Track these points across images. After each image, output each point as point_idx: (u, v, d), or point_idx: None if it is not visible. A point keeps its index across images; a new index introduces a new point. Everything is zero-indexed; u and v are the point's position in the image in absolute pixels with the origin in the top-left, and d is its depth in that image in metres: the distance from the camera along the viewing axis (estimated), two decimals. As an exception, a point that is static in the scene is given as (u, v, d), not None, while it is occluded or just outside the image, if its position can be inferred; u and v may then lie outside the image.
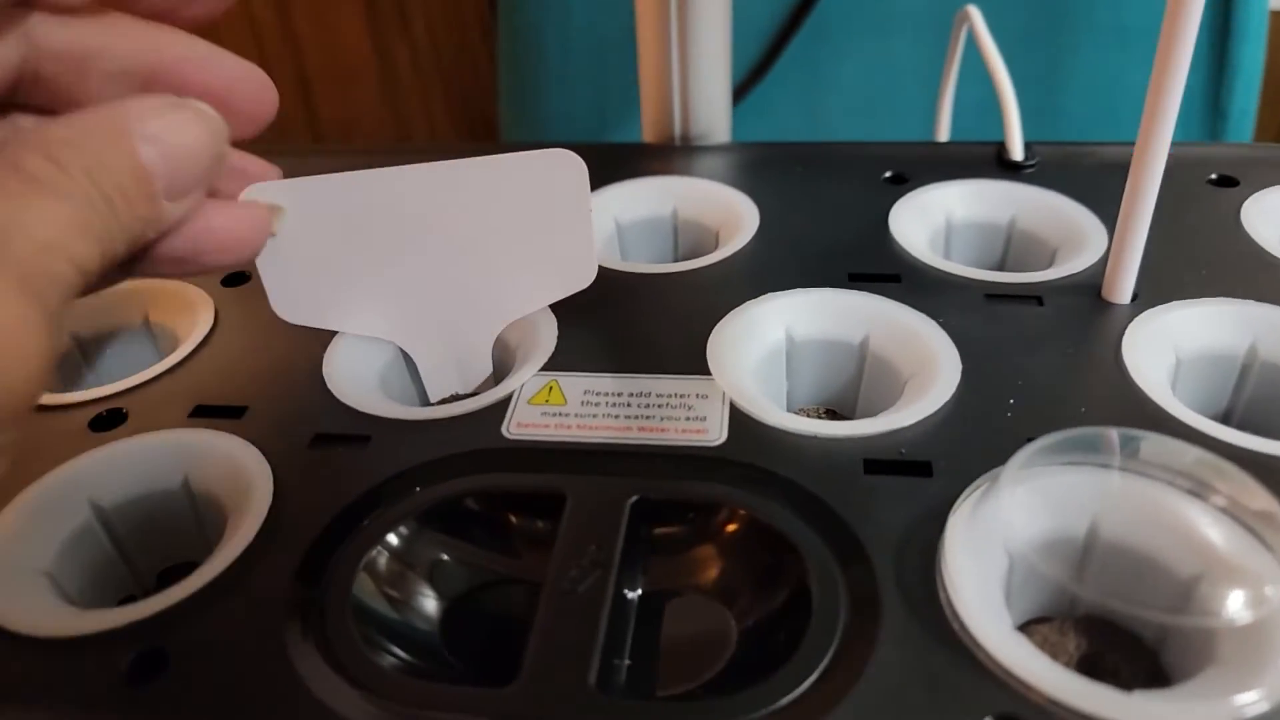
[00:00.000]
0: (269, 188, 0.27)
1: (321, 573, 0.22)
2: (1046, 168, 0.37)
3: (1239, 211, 0.34)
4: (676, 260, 0.37)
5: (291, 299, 0.28)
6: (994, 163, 0.37)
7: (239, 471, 0.25)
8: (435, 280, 0.29)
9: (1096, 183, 0.35)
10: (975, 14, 0.40)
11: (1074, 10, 0.65)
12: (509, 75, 0.72)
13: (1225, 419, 0.29)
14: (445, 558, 0.24)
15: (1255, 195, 0.35)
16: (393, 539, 0.23)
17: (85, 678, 0.20)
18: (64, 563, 0.24)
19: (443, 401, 0.31)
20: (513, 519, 0.24)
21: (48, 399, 0.28)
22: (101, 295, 0.34)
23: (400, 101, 0.87)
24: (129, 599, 0.27)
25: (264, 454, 0.25)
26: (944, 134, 0.48)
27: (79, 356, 0.33)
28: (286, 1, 0.83)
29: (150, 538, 0.26)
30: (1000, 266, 0.35)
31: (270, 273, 0.28)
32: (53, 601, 0.23)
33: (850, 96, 0.68)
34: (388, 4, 0.82)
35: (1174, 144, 0.28)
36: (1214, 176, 0.36)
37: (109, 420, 0.27)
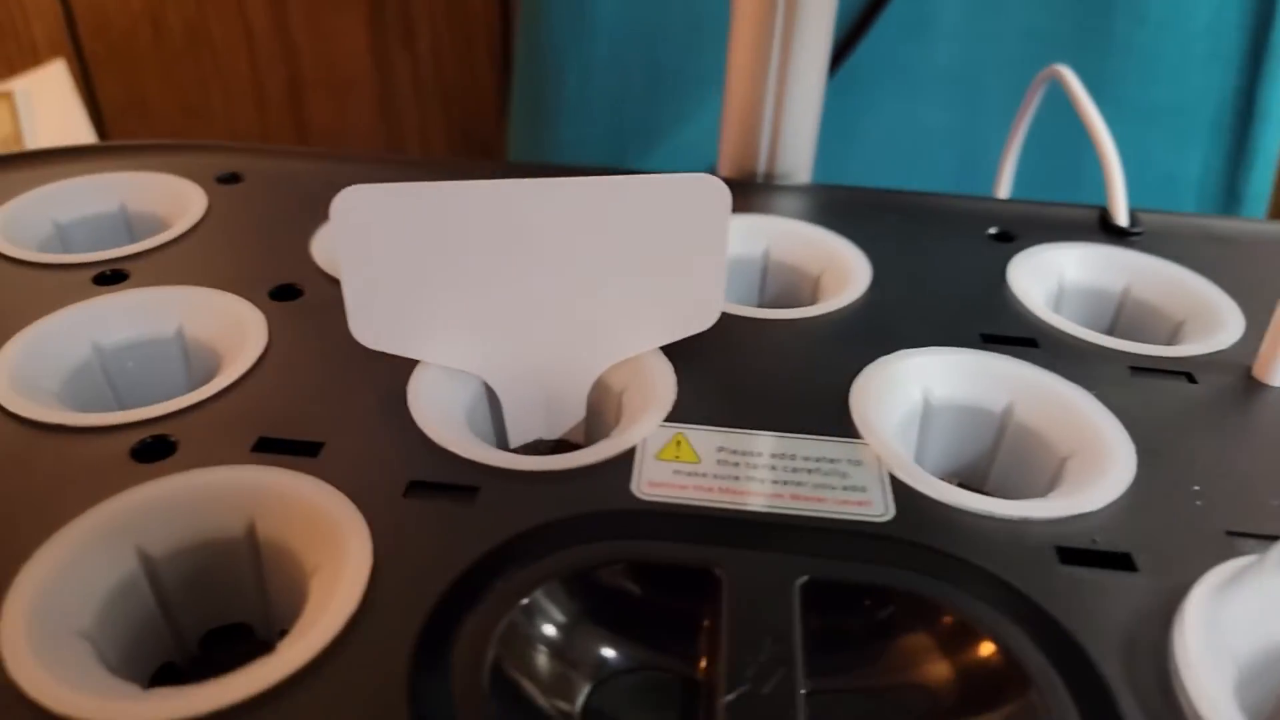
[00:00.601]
0: (361, 192, 0.23)
1: (444, 650, 0.18)
2: (1152, 236, 0.35)
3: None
4: (761, 304, 0.35)
5: (373, 321, 0.25)
6: (1096, 227, 0.35)
7: (323, 521, 0.21)
8: (536, 310, 0.26)
9: (1205, 254, 0.34)
10: (1067, 73, 0.39)
11: (1102, 84, 0.64)
12: (523, 99, 0.69)
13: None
14: (584, 639, 0.20)
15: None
16: (528, 613, 0.19)
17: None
18: (105, 623, 0.20)
19: (526, 447, 0.27)
20: (656, 595, 0.21)
21: (79, 419, 0.24)
22: (131, 300, 0.30)
23: (396, 117, 0.83)
24: (167, 666, 0.22)
25: (354, 501, 0.21)
26: (1004, 193, 0.47)
27: (98, 369, 0.28)
28: (284, 6, 0.79)
29: (199, 594, 0.22)
30: (1109, 334, 0.33)
31: (354, 289, 0.24)
32: (103, 676, 0.18)
33: (874, 152, 0.67)
34: (393, 15, 0.78)
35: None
36: (1326, 259, 0.34)
37: (155, 450, 0.23)
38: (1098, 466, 0.24)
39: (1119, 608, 0.20)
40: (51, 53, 0.82)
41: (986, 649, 0.19)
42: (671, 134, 0.67)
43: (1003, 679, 0.19)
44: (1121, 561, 0.21)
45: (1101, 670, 0.18)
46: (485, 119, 0.85)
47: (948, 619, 0.20)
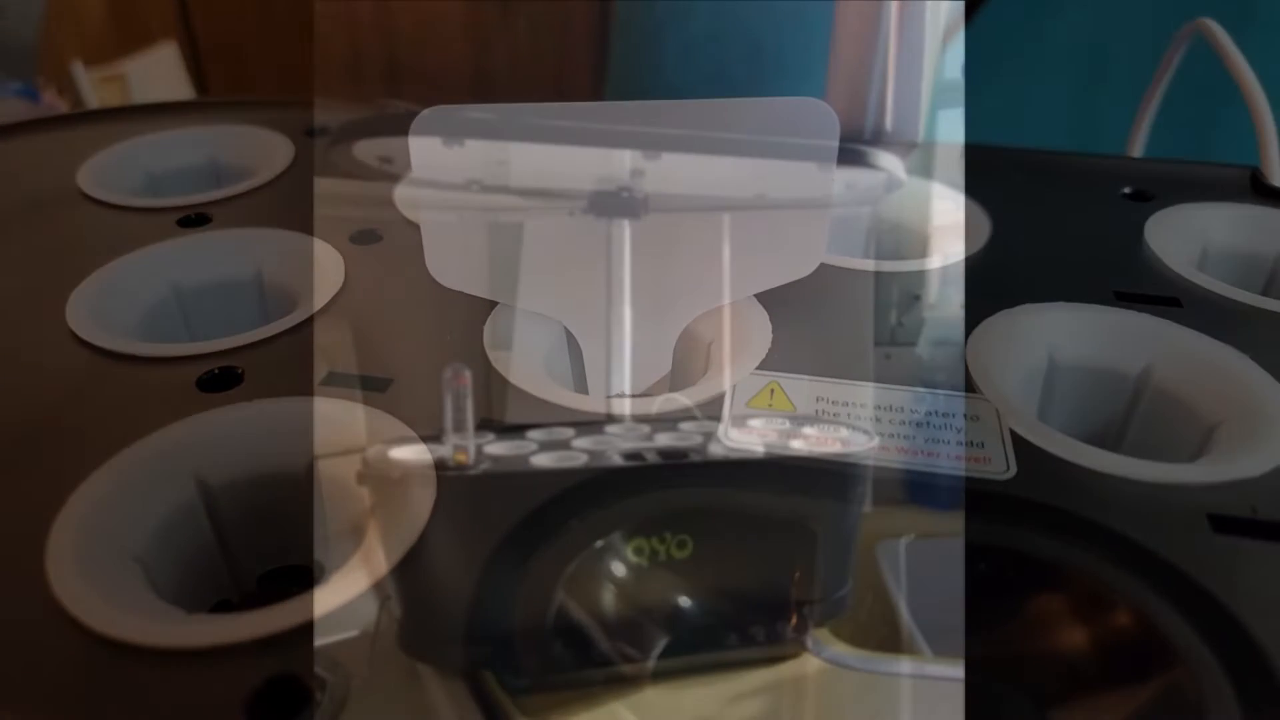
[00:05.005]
0: (448, 110, 0.22)
1: (509, 589, 0.17)
2: (1309, 199, 0.31)
3: None
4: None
5: (452, 257, 0.23)
6: (1245, 188, 0.32)
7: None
8: (625, 250, 0.24)
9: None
10: (1214, 26, 0.35)
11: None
12: (620, 80, 0.68)
13: None
14: (659, 589, 0.18)
15: None
16: (601, 557, 0.18)
17: (205, 706, 0.15)
18: (158, 549, 0.19)
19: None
20: (743, 547, 0.19)
21: (149, 349, 0.23)
22: (211, 239, 0.29)
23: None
24: (223, 604, 0.21)
25: (420, 437, 0.20)
26: (1138, 153, 0.43)
27: (175, 308, 0.28)
28: (387, -11, 0.79)
29: (258, 529, 0.21)
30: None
31: (432, 226, 0.23)
32: (150, 600, 0.17)
33: (983, 133, 0.63)
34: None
35: None
36: None
37: (221, 380, 0.22)
38: (1255, 431, 0.21)
39: (1285, 584, 0.17)
40: (164, 35, 0.84)
41: (1122, 620, 0.17)
42: (771, 113, 0.65)
43: (1143, 654, 0.16)
44: (1285, 534, 0.18)
45: (1265, 648, 0.16)
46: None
47: (1078, 586, 0.17)
